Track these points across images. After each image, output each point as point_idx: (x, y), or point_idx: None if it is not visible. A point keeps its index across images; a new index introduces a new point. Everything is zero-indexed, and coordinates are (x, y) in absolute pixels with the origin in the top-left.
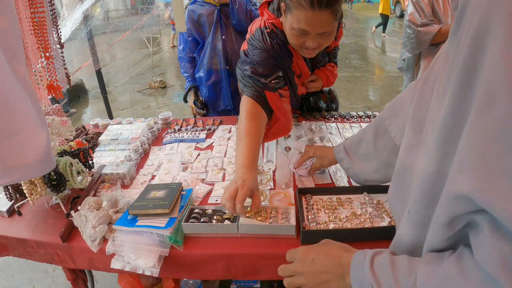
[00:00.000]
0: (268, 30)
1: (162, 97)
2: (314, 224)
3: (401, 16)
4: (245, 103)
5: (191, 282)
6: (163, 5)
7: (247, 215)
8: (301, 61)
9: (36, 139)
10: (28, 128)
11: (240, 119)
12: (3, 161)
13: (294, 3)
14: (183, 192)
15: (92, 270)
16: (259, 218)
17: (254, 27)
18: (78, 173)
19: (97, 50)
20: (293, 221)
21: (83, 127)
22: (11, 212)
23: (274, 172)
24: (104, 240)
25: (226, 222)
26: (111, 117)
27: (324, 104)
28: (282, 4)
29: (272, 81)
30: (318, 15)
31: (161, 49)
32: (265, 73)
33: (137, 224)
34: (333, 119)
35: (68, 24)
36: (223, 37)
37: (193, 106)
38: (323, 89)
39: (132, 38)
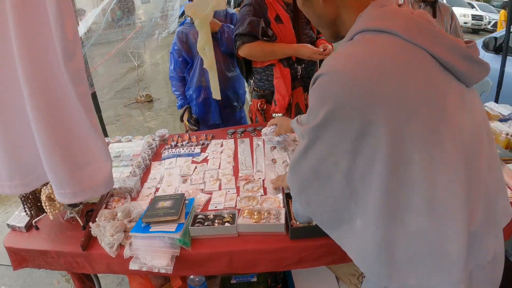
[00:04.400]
0: None
1: (149, 111)
2: (299, 222)
3: None
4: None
5: (197, 279)
6: (147, 19)
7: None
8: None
9: (103, 168)
10: (98, 160)
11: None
12: (80, 184)
13: None
14: (186, 201)
15: (99, 280)
16: (254, 220)
17: None
18: None
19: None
20: (282, 220)
21: None
22: (28, 227)
23: (263, 181)
24: (120, 246)
25: (226, 224)
26: (105, 135)
27: None
28: None
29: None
30: None
31: (144, 62)
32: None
33: (150, 230)
34: None
35: None
36: None
37: (187, 123)
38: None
39: (118, 54)
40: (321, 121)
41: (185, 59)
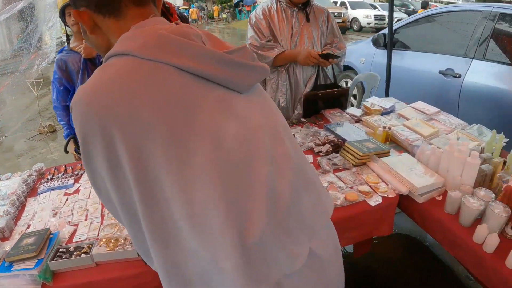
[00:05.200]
0: None
1: (53, 142)
2: None
3: None
4: None
5: None
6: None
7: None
8: None
9: None
10: None
11: None
12: None
13: None
14: (51, 236)
15: None
16: (109, 248)
17: None
18: None
19: None
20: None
21: None
22: None
23: None
24: None
25: (83, 255)
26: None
27: None
28: None
29: None
30: None
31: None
32: None
33: (12, 269)
34: None
35: None
36: None
37: (75, 153)
38: None
39: (18, 83)
40: (83, 156)
41: (66, 87)
